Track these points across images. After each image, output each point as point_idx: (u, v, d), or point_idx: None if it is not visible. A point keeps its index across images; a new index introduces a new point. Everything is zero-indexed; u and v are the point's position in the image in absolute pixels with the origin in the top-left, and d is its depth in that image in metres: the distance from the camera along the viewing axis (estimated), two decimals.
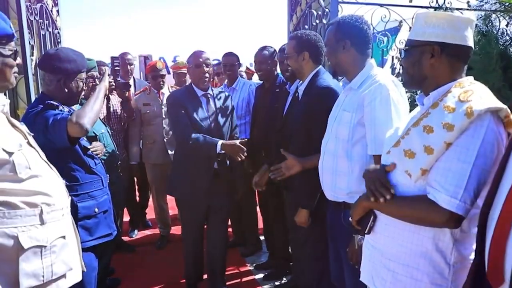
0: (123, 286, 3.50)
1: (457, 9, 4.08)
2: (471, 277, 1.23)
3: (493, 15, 4.11)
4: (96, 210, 2.30)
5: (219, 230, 3.25)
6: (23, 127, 1.70)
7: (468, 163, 1.32)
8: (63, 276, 1.68)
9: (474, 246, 1.48)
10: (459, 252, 1.45)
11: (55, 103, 2.16)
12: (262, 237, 4.23)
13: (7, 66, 1.57)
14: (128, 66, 4.39)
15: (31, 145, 1.67)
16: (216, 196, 3.09)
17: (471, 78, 1.51)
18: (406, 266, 1.50)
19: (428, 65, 1.50)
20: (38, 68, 2.44)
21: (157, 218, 4.49)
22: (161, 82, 4.15)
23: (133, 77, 4.66)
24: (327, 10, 3.38)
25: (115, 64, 3.37)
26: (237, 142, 2.85)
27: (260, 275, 3.68)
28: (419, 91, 1.64)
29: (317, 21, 3.51)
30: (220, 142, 2.87)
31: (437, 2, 4.03)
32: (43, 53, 3.51)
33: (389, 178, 1.54)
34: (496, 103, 1.37)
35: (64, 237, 1.69)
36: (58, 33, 3.94)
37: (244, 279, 3.64)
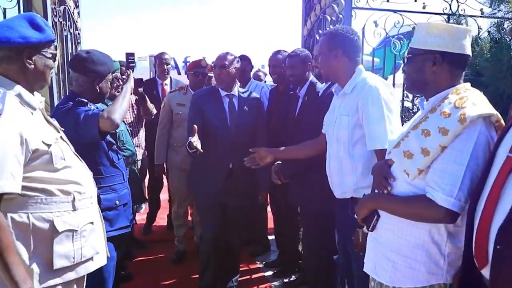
0: (136, 281, 3.66)
1: (471, 16, 4.17)
2: (462, 261, 1.38)
3: (506, 23, 4.22)
4: (117, 202, 2.49)
5: (232, 231, 3.32)
6: (55, 123, 1.89)
7: (462, 165, 1.48)
8: (91, 258, 1.87)
9: None
10: (453, 244, 1.60)
11: (85, 100, 2.35)
12: (270, 237, 4.39)
13: (48, 67, 1.77)
14: (165, 66, 4.53)
15: (63, 139, 1.86)
16: (232, 196, 3.15)
17: (467, 84, 1.66)
18: (405, 257, 1.65)
19: (430, 72, 1.66)
20: (70, 69, 2.63)
21: (174, 224, 4.25)
22: (202, 80, 4.00)
23: (170, 77, 4.73)
24: (341, 16, 3.52)
25: (129, 60, 3.52)
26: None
27: (270, 272, 3.85)
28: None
29: (331, 26, 3.66)
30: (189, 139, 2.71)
31: (450, 9, 4.10)
32: (64, 54, 3.72)
33: (391, 171, 1.71)
34: (488, 109, 1.53)
35: (92, 223, 1.89)
36: (78, 34, 4.15)
37: (254, 276, 3.82)
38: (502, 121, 1.54)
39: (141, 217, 4.91)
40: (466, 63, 1.67)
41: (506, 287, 1.18)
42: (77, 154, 1.92)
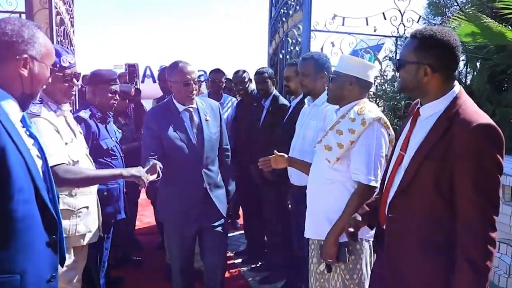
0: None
1: None
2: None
3: None
4: (105, 193, 3.12)
5: (216, 252, 3.18)
6: (75, 127, 2.65)
7: (370, 154, 2.37)
8: (84, 235, 2.63)
9: None
10: None
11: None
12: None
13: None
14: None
15: (77, 140, 2.63)
16: (207, 216, 3.07)
17: (366, 99, 2.55)
18: (333, 220, 2.42)
19: (347, 90, 2.51)
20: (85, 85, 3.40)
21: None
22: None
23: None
24: (299, 39, 4.37)
25: (131, 70, 4.18)
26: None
27: (239, 260, 4.70)
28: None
29: (292, 48, 4.52)
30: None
31: (398, 31, 4.97)
32: None
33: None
34: (378, 114, 2.43)
35: (87, 207, 2.64)
36: (73, 49, 4.92)
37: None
38: (388, 122, 2.47)
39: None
40: (369, 87, 2.60)
41: (392, 235, 1.93)
42: (87, 154, 2.70)
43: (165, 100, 3.22)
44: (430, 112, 1.81)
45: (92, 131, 3.09)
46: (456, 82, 1.81)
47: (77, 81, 2.59)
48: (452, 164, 1.65)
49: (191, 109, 3.03)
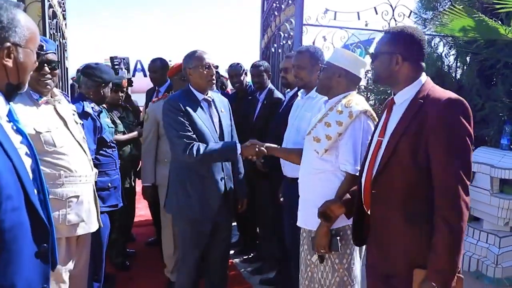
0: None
1: None
2: (356, 208, 2.26)
3: (434, 40, 5.21)
4: (109, 185, 3.24)
5: (220, 250, 3.18)
6: (68, 116, 2.57)
7: (357, 146, 2.43)
8: (77, 224, 2.51)
9: None
10: None
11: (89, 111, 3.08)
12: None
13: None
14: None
15: (68, 129, 2.50)
16: (224, 210, 3.01)
17: (354, 92, 2.60)
18: (316, 206, 2.47)
19: (335, 81, 2.57)
20: (81, 75, 3.38)
21: (166, 256, 3.99)
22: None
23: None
24: (291, 33, 4.41)
25: (114, 63, 4.17)
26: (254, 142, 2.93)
27: (231, 251, 4.68)
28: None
29: (284, 42, 4.55)
30: (237, 143, 2.93)
31: (389, 26, 5.02)
32: None
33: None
34: (365, 107, 2.48)
35: (78, 196, 2.49)
36: (65, 42, 4.89)
37: None
38: (374, 114, 2.52)
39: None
40: (357, 82, 2.66)
41: (376, 211, 2.05)
42: (80, 143, 2.59)
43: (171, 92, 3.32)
44: (403, 98, 2.00)
45: (98, 126, 3.13)
46: (423, 73, 2.02)
47: (54, 70, 2.48)
48: (427, 136, 1.83)
49: (209, 99, 3.05)
